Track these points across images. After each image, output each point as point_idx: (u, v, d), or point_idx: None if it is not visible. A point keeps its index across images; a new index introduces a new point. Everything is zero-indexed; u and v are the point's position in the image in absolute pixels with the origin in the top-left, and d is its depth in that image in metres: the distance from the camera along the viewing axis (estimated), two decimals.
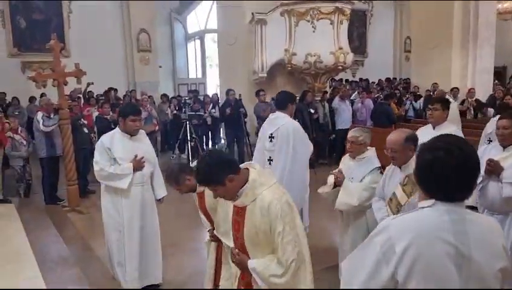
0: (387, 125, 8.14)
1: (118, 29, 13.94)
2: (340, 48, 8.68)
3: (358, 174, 3.59)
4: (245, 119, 9.29)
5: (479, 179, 3.09)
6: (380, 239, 1.49)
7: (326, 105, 9.70)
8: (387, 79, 14.53)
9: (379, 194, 3.28)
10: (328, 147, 9.86)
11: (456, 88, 10.17)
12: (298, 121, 9.28)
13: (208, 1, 13.68)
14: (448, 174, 1.48)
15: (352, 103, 10.27)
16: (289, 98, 4.64)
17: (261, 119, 8.97)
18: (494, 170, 3.19)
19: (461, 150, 1.50)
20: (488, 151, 3.51)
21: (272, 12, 8.84)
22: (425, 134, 3.92)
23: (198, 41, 16.10)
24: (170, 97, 11.86)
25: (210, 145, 10.87)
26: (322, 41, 8.57)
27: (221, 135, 11.14)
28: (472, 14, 10.76)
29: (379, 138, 3.90)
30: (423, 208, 1.53)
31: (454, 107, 8.14)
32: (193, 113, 9.63)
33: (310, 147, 4.62)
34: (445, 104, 4.15)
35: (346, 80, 16.15)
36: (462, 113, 9.90)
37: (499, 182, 3.17)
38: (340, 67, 8.86)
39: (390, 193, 3.06)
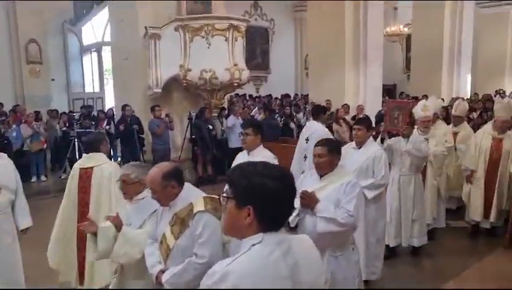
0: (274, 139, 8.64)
1: (4, 38, 12.84)
2: (235, 65, 8.72)
3: (136, 220, 2.92)
4: (142, 136, 8.96)
5: (296, 212, 2.88)
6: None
7: (225, 121, 9.71)
8: (287, 95, 14.95)
9: (152, 236, 2.72)
10: (228, 164, 9.82)
11: (347, 104, 10.71)
12: (196, 137, 9.26)
13: (104, 12, 13.07)
14: (287, 202, 1.51)
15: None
16: (321, 110, 6.50)
17: (156, 136, 8.73)
18: (309, 202, 2.92)
19: (288, 175, 1.55)
20: (306, 180, 3.22)
21: (166, 27, 8.65)
22: (240, 159, 4.03)
23: (95, 54, 15.35)
24: (60, 113, 11.14)
25: None
26: (217, 58, 8.55)
27: (118, 153, 10.63)
28: (362, 35, 11.42)
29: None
30: (253, 245, 1.47)
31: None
32: (82, 130, 9.09)
33: None
34: (258, 129, 4.05)
35: (250, 96, 16.38)
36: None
37: (314, 216, 2.92)
38: (236, 84, 8.90)
39: (161, 235, 2.62)
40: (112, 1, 9.74)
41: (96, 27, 14.97)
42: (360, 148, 4.37)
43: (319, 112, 6.31)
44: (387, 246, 4.91)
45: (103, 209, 3.69)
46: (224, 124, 9.58)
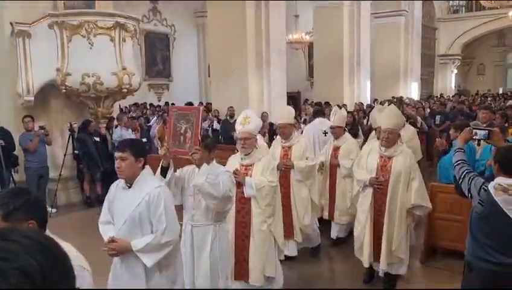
0: None
1: None
2: (124, 69, 7.67)
3: None
4: (14, 153, 7.56)
5: None
6: None
7: (116, 132, 8.60)
8: (190, 103, 14.13)
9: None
10: None
11: None
12: (79, 153, 8.08)
13: None
14: None
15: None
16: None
17: (28, 153, 7.38)
18: None
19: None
20: None
21: (37, 24, 7.37)
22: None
23: None
24: None
25: None
26: (102, 60, 7.42)
27: None
28: (264, 40, 11.04)
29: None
30: None
31: None
32: None
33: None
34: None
35: (151, 104, 15.41)
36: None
37: None
38: (125, 90, 7.82)
39: None
40: None
41: None
42: (130, 186, 2.83)
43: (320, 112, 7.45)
44: None
45: None
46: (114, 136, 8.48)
